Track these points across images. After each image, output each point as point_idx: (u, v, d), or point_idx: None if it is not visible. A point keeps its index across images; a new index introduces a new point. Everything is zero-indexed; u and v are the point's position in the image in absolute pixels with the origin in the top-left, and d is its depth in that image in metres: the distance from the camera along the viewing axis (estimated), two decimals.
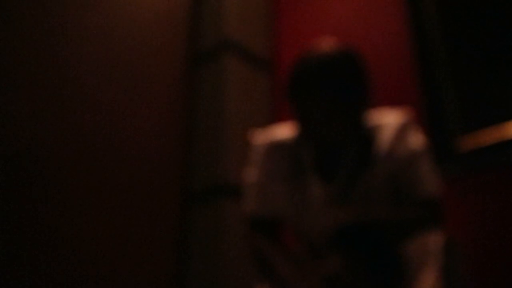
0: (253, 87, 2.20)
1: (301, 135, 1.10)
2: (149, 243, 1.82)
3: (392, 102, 1.35)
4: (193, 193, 2.00)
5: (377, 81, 1.13)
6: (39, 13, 1.75)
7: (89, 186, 1.71)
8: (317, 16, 2.26)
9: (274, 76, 2.32)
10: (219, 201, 1.88)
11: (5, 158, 1.52)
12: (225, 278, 1.74)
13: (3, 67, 1.60)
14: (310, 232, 1.13)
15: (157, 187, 1.92)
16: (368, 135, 1.10)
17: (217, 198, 1.89)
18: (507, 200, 1.44)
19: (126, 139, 1.88)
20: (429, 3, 1.82)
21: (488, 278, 1.37)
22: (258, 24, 2.38)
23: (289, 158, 1.15)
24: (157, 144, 1.99)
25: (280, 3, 2.48)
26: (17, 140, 1.57)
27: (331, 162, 1.10)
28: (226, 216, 1.84)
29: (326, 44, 1.05)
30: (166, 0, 2.25)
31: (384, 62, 1.87)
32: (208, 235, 1.85)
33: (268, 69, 2.33)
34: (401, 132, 1.08)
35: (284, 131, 1.19)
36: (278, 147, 1.17)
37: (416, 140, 1.08)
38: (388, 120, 1.10)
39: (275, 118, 2.18)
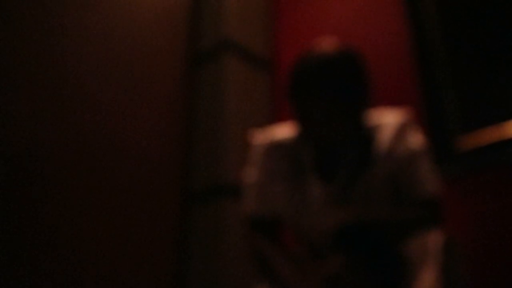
0: (253, 87, 2.20)
1: (301, 135, 1.10)
2: (149, 243, 1.82)
3: (392, 102, 1.35)
4: (193, 193, 2.00)
5: (377, 81, 1.13)
6: (39, 13, 1.75)
7: (89, 186, 1.71)
8: (317, 16, 2.26)
9: (274, 76, 2.32)
10: (219, 201, 1.88)
11: (5, 158, 1.52)
12: (225, 278, 1.74)
13: (3, 67, 1.60)
14: (310, 232, 1.13)
15: (157, 187, 1.92)
16: (368, 135, 1.10)
17: (217, 198, 1.89)
18: (507, 199, 1.44)
19: (126, 139, 1.88)
20: (429, 3, 1.82)
21: (488, 278, 1.37)
22: (258, 24, 2.38)
23: (289, 158, 1.15)
24: (157, 144, 1.99)
25: (280, 3, 2.48)
26: (17, 140, 1.57)
27: (331, 162, 1.10)
28: (226, 216, 1.84)
29: (326, 44, 1.05)
30: (166, 0, 2.26)
31: (384, 62, 1.87)
32: (208, 235, 1.85)
33: (268, 69, 2.33)
34: (401, 132, 1.08)
35: (284, 131, 1.19)
36: (278, 147, 1.17)
37: (416, 140, 1.09)
38: (388, 119, 1.10)
39: (275, 118, 2.18)
